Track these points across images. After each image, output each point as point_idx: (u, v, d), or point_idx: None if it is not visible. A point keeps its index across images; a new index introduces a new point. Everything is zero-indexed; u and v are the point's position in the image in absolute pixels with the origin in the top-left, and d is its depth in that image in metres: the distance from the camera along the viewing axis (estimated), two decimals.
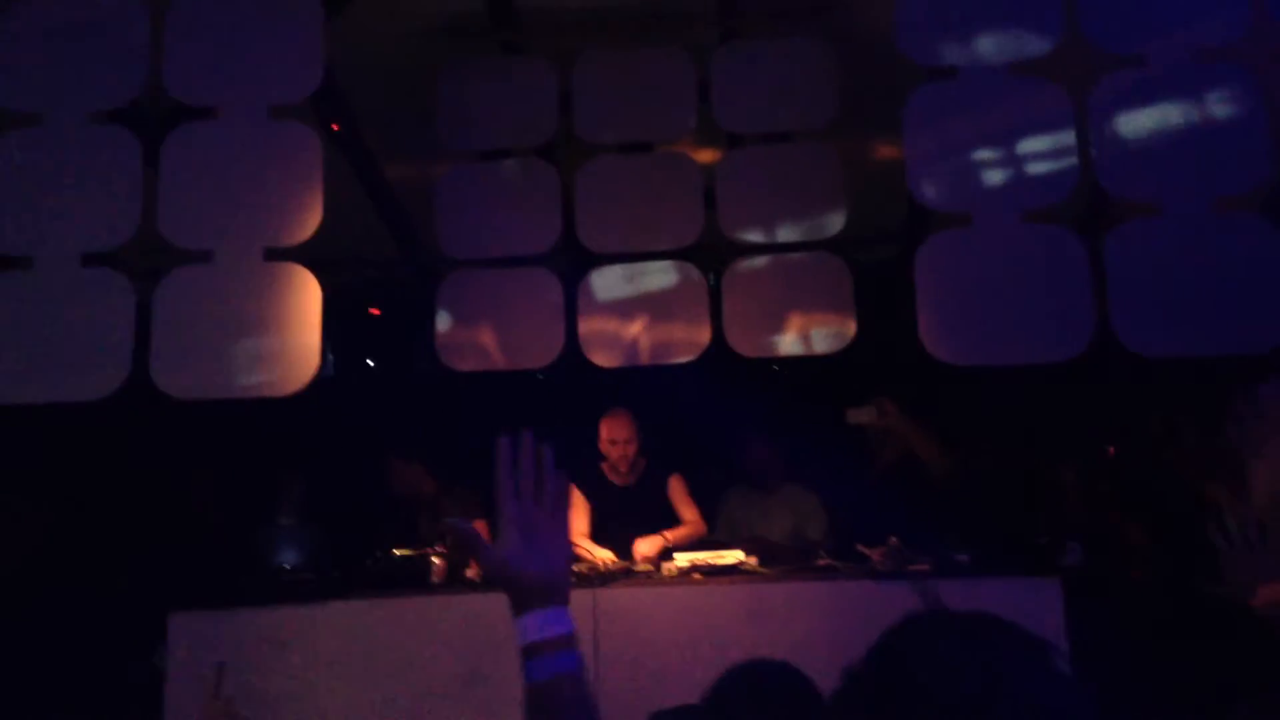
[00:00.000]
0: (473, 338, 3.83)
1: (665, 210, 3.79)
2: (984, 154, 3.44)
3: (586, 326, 3.76)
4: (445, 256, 3.90)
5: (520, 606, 1.23)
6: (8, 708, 3.79)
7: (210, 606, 3.89)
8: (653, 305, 3.78)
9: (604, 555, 4.29)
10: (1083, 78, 3.34)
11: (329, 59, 3.45)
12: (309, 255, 3.40)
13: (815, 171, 3.76)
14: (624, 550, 4.36)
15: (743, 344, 3.71)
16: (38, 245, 3.41)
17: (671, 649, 3.68)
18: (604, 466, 4.77)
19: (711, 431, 4.79)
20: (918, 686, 0.93)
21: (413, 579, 4.11)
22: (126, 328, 3.33)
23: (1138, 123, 3.32)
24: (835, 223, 3.69)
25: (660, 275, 3.80)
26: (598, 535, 4.52)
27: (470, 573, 4.04)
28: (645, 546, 4.36)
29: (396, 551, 4.26)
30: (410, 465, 4.91)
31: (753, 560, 4.12)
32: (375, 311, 6.40)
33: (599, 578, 4.00)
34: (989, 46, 3.41)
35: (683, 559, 4.12)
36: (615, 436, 4.69)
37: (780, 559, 4.19)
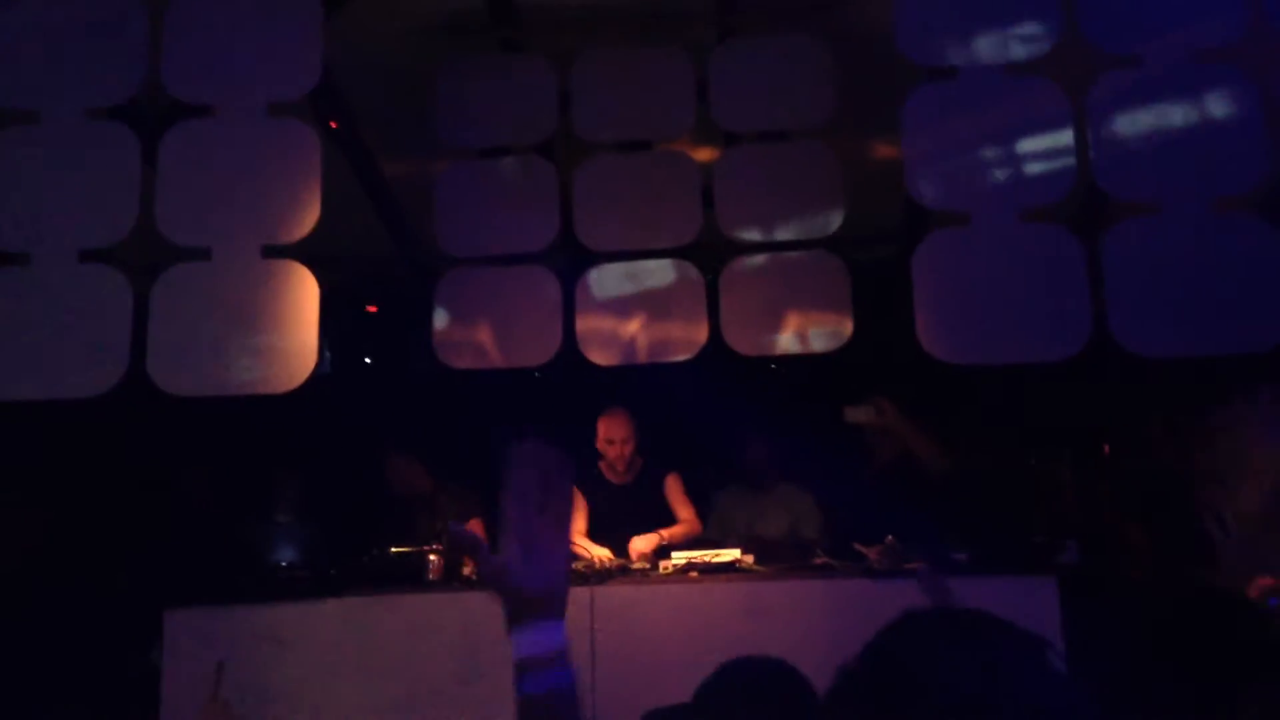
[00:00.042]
0: (470, 335, 3.82)
1: (663, 209, 3.78)
2: (982, 153, 3.44)
3: (584, 324, 3.76)
4: (443, 254, 3.90)
5: (516, 618, 1.20)
6: (5, 705, 3.79)
7: (207, 603, 3.89)
8: (650, 304, 3.78)
9: (601, 553, 4.29)
10: (1081, 78, 3.34)
11: (328, 56, 3.45)
12: (307, 253, 3.40)
13: (813, 170, 3.76)
14: (621, 549, 4.36)
15: (740, 343, 3.71)
16: (35, 242, 3.40)
17: (668, 647, 3.68)
18: (601, 465, 4.78)
19: (709, 430, 4.79)
20: (913, 685, 0.93)
21: (409, 576, 4.11)
22: (124, 324, 3.33)
23: (1136, 122, 3.33)
24: (833, 221, 3.69)
25: (658, 273, 3.79)
26: (595, 534, 4.53)
27: (467, 570, 4.04)
28: (641, 544, 4.37)
29: (393, 549, 4.27)
30: (408, 462, 4.91)
31: (749, 558, 4.13)
32: (372, 309, 6.40)
33: (596, 575, 4.01)
34: (988, 46, 3.41)
35: (680, 557, 4.13)
36: (613, 436, 4.69)
37: (777, 557, 4.20)
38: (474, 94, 3.91)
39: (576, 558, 4.14)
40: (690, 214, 3.75)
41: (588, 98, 3.86)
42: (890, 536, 3.91)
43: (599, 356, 3.76)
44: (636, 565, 4.23)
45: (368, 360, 6.81)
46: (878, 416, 4.30)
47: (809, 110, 3.77)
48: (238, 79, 3.46)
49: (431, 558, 4.11)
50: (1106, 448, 4.96)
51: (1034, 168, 3.38)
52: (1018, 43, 3.39)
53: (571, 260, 3.86)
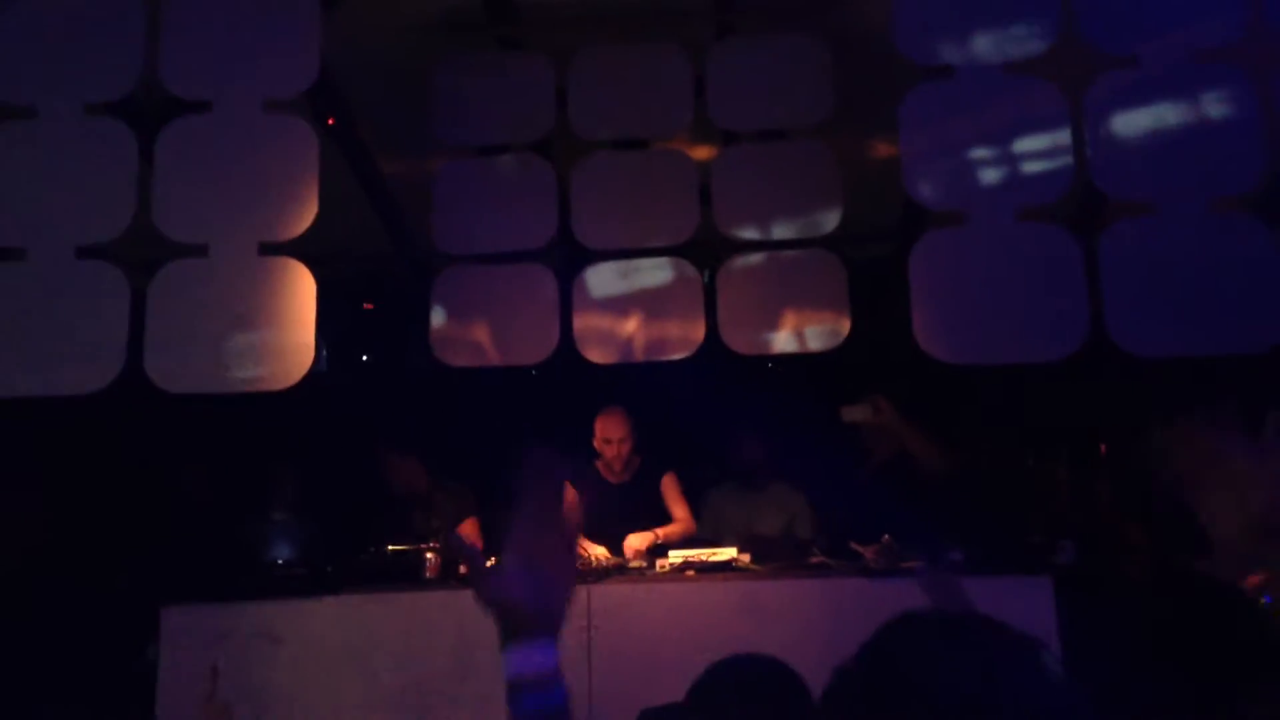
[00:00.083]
0: (467, 333, 3.82)
1: (661, 207, 3.78)
2: (979, 153, 3.44)
3: (581, 323, 3.76)
4: (440, 251, 3.90)
5: (508, 636, 1.18)
6: (3, 702, 3.78)
7: (203, 600, 3.89)
8: (647, 302, 3.78)
9: (599, 552, 4.29)
10: (1079, 77, 3.34)
11: (325, 53, 3.44)
12: (304, 250, 3.40)
13: (811, 169, 3.76)
14: (618, 547, 4.37)
15: (737, 341, 3.71)
16: (32, 237, 3.40)
17: (664, 645, 3.68)
18: (599, 464, 4.77)
19: (705, 428, 4.79)
20: (909, 686, 0.93)
21: (406, 574, 4.11)
22: (120, 321, 3.32)
23: (1133, 122, 3.33)
24: (830, 220, 3.69)
25: (655, 272, 3.79)
26: (592, 533, 4.52)
27: (464, 569, 4.04)
28: (636, 540, 4.37)
29: (390, 547, 4.27)
30: (405, 461, 4.91)
31: (746, 557, 4.13)
32: (368, 306, 6.39)
33: (593, 574, 4.01)
34: (985, 46, 3.41)
35: (676, 556, 4.13)
36: (610, 435, 4.69)
37: (774, 556, 4.20)
38: (471, 91, 3.91)
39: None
40: (688, 212, 3.75)
41: (585, 95, 3.86)
42: (887, 536, 3.91)
43: (596, 355, 3.76)
44: (633, 564, 4.23)
45: (365, 358, 6.81)
46: (874, 415, 4.30)
47: (807, 109, 3.78)
48: (235, 75, 3.46)
49: (428, 556, 4.12)
50: (1103, 447, 4.96)
51: (1032, 167, 3.38)
52: (1016, 42, 3.39)
53: (569, 258, 3.86)
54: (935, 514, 3.92)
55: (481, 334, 3.80)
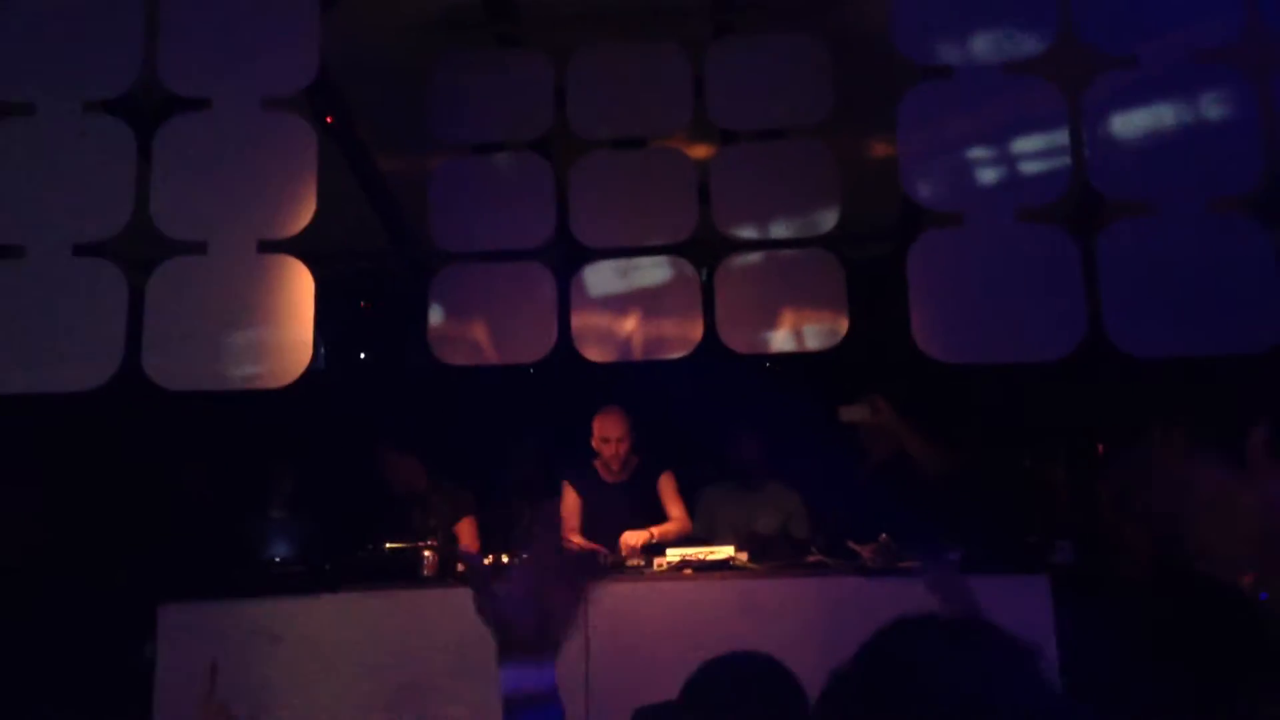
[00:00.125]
0: (465, 332, 3.82)
1: (659, 205, 3.79)
2: (978, 152, 3.44)
3: (579, 321, 3.76)
4: (438, 250, 3.90)
5: (506, 653, 1.19)
6: (1, 699, 3.78)
7: (201, 598, 3.89)
8: (646, 300, 3.78)
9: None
10: (1077, 78, 3.34)
11: (324, 51, 3.44)
12: (302, 247, 3.40)
13: (809, 168, 3.76)
14: (615, 547, 4.36)
15: (735, 340, 3.71)
16: (30, 235, 3.39)
17: (661, 644, 3.68)
18: (597, 463, 4.77)
19: (703, 427, 4.79)
20: (905, 689, 0.93)
21: (404, 572, 4.11)
22: (119, 318, 3.32)
23: (1132, 123, 3.33)
24: (829, 219, 3.70)
25: (653, 270, 3.80)
26: (589, 531, 4.53)
27: (462, 567, 4.04)
28: (631, 538, 4.36)
29: (388, 545, 4.27)
30: (403, 459, 4.91)
31: (743, 556, 4.13)
32: (365, 305, 6.39)
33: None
34: (984, 46, 3.41)
35: (674, 554, 4.12)
36: (608, 435, 4.69)
37: (771, 555, 4.19)
38: (470, 89, 3.91)
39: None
40: (686, 211, 3.75)
41: (584, 94, 3.86)
42: (884, 535, 3.91)
43: (594, 353, 3.76)
44: (631, 562, 4.23)
45: (363, 356, 6.80)
46: (872, 415, 4.30)
47: (805, 108, 3.78)
48: (234, 73, 3.45)
49: (426, 554, 4.11)
50: (1101, 447, 4.97)
51: (1030, 167, 3.38)
52: (1015, 42, 3.39)
53: (567, 257, 3.86)
54: (933, 514, 3.92)
55: (480, 332, 3.80)
